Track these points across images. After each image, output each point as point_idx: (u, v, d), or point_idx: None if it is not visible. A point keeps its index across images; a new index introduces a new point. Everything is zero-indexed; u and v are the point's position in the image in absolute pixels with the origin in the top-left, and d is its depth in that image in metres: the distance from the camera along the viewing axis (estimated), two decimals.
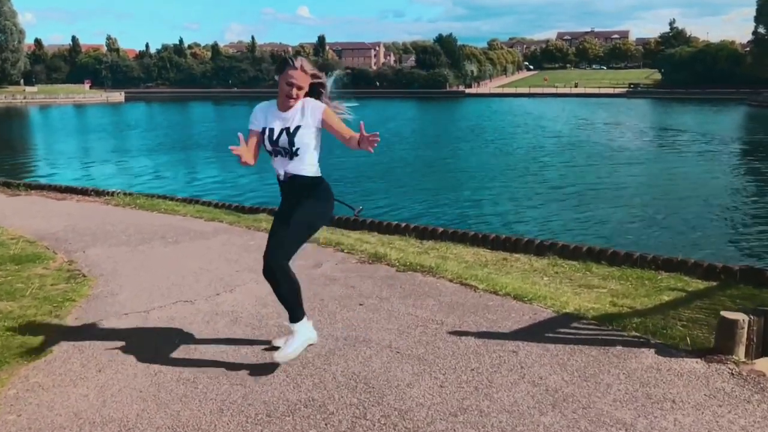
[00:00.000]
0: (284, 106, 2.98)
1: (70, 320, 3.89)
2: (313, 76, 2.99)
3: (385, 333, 3.40)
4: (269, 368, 3.04)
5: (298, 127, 2.94)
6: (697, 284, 5.47)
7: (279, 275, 2.93)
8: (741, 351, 2.99)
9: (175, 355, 3.27)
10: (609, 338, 3.23)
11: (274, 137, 2.96)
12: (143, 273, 4.96)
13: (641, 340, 3.20)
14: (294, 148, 2.93)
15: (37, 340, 3.48)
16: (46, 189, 10.42)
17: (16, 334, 3.55)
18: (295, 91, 2.93)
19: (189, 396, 2.81)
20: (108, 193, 9.59)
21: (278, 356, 3.00)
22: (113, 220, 7.34)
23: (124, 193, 9.53)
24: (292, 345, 3.02)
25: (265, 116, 3.05)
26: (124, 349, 3.35)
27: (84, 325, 3.75)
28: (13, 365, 3.14)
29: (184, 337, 3.51)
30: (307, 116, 2.95)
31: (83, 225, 7.03)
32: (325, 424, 2.52)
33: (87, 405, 2.75)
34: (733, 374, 2.85)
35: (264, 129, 3.02)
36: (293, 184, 3.00)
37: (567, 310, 3.93)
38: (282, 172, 3.01)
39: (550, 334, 3.27)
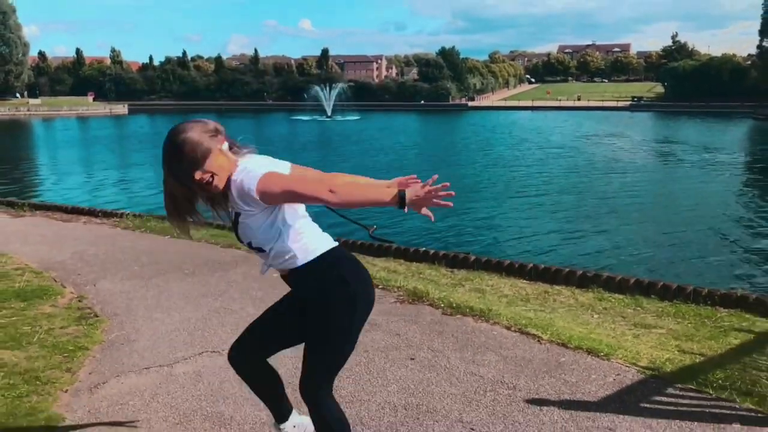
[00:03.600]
0: None
1: (84, 375, 3.44)
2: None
3: (450, 400, 2.94)
4: None
5: (237, 215, 2.01)
6: (763, 323, 5.10)
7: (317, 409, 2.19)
8: None
9: (207, 427, 2.81)
10: (719, 411, 2.75)
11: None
12: (161, 313, 4.52)
13: (759, 415, 2.72)
14: (246, 242, 2.05)
15: (46, 404, 3.03)
16: (52, 209, 9.99)
17: (23, 397, 3.10)
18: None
19: None
20: (117, 215, 9.17)
21: None
22: (124, 246, 6.93)
23: (134, 215, 9.11)
24: None
25: None
26: (148, 418, 2.89)
27: (99, 384, 3.30)
28: None
29: (215, 401, 3.06)
30: (234, 198, 1.96)
31: (92, 252, 6.62)
32: None
33: None
34: None
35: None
36: (292, 283, 2.13)
37: (641, 364, 3.52)
38: (265, 270, 2.15)
39: (646, 404, 2.81)
